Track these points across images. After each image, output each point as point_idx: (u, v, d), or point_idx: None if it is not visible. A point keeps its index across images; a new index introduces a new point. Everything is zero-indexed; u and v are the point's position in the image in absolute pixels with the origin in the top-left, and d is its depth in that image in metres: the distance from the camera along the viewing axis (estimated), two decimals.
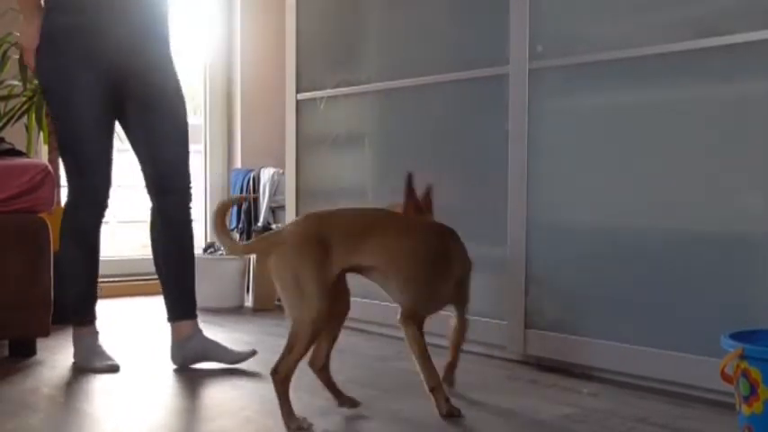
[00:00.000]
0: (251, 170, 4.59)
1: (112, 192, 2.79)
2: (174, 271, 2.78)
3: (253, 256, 4.13)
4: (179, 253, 2.79)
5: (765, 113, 2.21)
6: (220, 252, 4.16)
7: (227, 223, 2.60)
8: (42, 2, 2.68)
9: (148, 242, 2.83)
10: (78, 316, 2.78)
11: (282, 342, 2.01)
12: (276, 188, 4.34)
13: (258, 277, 4.12)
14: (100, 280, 2.84)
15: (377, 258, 2.11)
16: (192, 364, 2.74)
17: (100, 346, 2.78)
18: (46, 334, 2.87)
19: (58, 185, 3.36)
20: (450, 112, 3.10)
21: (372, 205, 2.57)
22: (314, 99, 3.66)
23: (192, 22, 4.92)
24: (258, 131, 4.86)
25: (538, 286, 2.75)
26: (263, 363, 2.75)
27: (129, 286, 4.45)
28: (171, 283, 2.79)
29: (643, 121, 2.47)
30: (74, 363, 2.76)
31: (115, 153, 2.80)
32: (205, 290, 3.84)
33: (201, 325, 2.80)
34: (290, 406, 2.00)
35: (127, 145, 2.83)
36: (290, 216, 3.83)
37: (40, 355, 2.90)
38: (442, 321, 2.37)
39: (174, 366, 2.75)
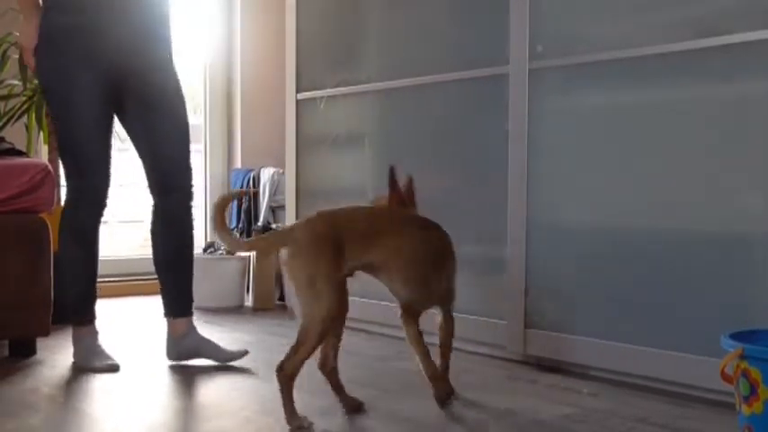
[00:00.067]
0: (251, 170, 4.59)
1: (112, 191, 2.79)
2: (173, 269, 2.81)
3: (252, 256, 4.13)
4: (179, 251, 2.81)
5: (765, 113, 2.21)
6: (220, 252, 4.16)
7: (227, 223, 2.60)
8: (41, 1, 2.68)
9: (147, 242, 2.85)
10: (78, 316, 2.79)
11: (282, 341, 2.02)
12: (276, 188, 4.34)
13: (258, 277, 4.12)
14: (99, 280, 2.84)
15: (386, 257, 2.13)
16: (186, 360, 2.79)
17: (99, 346, 2.78)
18: (46, 334, 2.87)
19: (58, 185, 3.36)
20: (450, 112, 3.10)
21: (362, 203, 2.56)
22: (314, 99, 3.66)
23: (192, 22, 4.92)
24: (258, 131, 4.86)
25: (538, 286, 2.75)
26: (263, 362, 2.75)
27: (129, 286, 4.45)
28: (170, 282, 2.82)
29: (643, 121, 2.47)
30: (73, 362, 2.76)
31: (115, 152, 2.81)
32: (205, 289, 3.85)
33: (202, 324, 2.82)
34: (293, 404, 2.00)
35: (127, 145, 2.84)
36: (290, 216, 3.82)
37: (40, 354, 2.90)
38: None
39: (169, 361, 2.79)
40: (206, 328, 2.85)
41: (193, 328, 2.81)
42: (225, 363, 2.76)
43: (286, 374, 1.99)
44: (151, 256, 2.84)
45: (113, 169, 2.78)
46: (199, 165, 4.89)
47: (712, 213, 2.32)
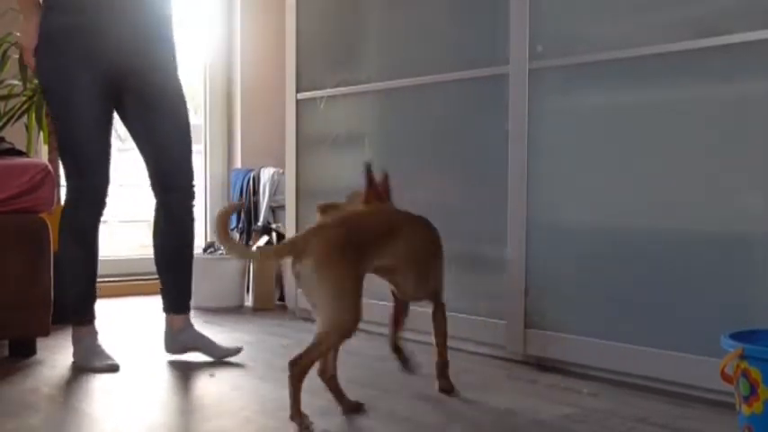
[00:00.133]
0: (251, 170, 4.59)
1: (112, 191, 2.80)
2: (173, 269, 2.85)
3: None
4: (179, 251, 2.84)
5: (765, 113, 2.21)
6: (220, 252, 4.16)
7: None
8: (41, 0, 2.68)
9: (147, 242, 2.88)
10: (78, 316, 2.79)
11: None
12: (276, 188, 4.34)
13: (258, 277, 4.12)
14: (99, 280, 2.85)
15: (399, 258, 2.21)
16: (182, 354, 2.86)
17: (99, 346, 2.78)
18: (46, 334, 2.87)
19: (58, 185, 3.36)
20: (450, 112, 3.10)
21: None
22: (314, 99, 3.66)
23: (192, 22, 4.92)
24: (258, 131, 4.86)
25: (538, 286, 2.75)
26: (263, 363, 2.76)
27: (129, 286, 4.45)
28: (170, 280, 2.86)
29: (643, 121, 2.47)
30: (73, 362, 2.76)
31: (115, 152, 2.81)
32: (205, 289, 3.85)
33: (202, 324, 2.85)
34: (300, 402, 2.00)
35: (127, 145, 2.85)
36: (290, 216, 3.83)
37: (40, 354, 2.90)
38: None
39: (167, 354, 2.86)
40: (206, 329, 2.86)
41: (190, 325, 2.87)
42: (219, 359, 2.81)
43: (298, 369, 1.99)
44: (151, 257, 2.87)
45: (113, 169, 2.79)
46: (199, 165, 4.86)
47: (712, 213, 2.32)
